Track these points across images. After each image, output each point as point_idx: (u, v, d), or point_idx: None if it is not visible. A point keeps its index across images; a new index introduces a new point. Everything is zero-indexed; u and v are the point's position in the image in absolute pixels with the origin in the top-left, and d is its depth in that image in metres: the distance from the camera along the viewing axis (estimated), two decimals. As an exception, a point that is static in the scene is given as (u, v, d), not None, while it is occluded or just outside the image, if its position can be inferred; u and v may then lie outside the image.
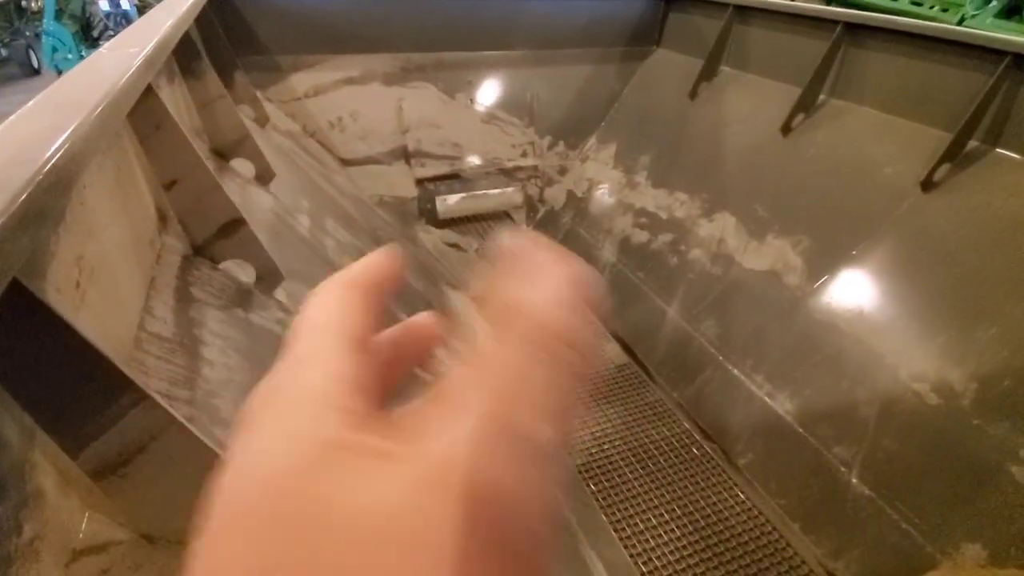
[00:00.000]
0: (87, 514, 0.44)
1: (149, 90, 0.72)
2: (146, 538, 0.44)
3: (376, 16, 2.01)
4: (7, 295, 0.30)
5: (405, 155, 2.13)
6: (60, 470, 0.42)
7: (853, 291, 1.34)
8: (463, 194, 2.23)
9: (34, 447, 0.40)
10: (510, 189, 2.30)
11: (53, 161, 0.36)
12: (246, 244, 0.89)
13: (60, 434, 0.38)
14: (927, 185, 1.30)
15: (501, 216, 2.32)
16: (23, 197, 0.31)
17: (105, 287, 0.58)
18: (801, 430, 1.28)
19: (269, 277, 0.92)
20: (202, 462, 0.43)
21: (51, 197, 0.35)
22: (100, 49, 0.75)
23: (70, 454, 0.39)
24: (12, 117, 0.45)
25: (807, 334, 1.37)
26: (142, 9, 5.19)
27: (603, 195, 2.16)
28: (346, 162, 2.06)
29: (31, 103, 0.48)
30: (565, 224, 2.22)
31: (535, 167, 2.32)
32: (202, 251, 0.88)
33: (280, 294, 0.95)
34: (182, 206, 0.85)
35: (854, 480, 1.16)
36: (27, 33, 5.57)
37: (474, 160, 2.24)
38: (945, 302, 1.18)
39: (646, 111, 2.22)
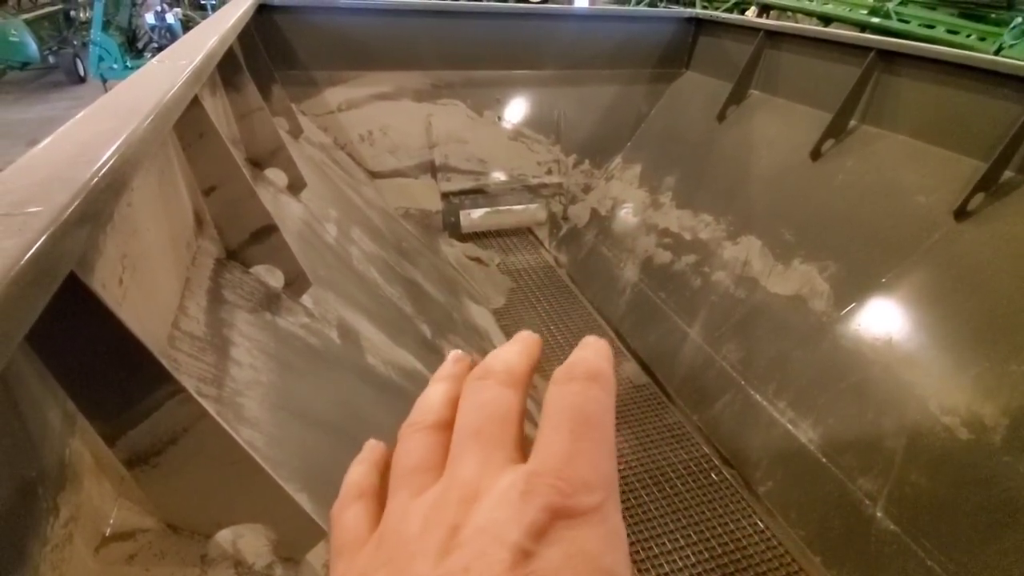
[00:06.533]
0: (118, 501, 0.45)
1: (195, 101, 0.75)
2: (172, 527, 0.45)
3: (409, 35, 2.07)
4: (63, 287, 0.32)
5: (432, 169, 2.17)
6: (96, 457, 0.44)
7: (882, 319, 1.31)
8: (487, 209, 2.26)
9: (74, 433, 0.42)
10: (534, 206, 2.33)
11: (109, 164, 0.39)
12: (277, 250, 0.91)
13: (100, 421, 0.40)
14: (961, 214, 1.28)
15: (524, 232, 2.34)
16: (83, 196, 0.33)
17: (145, 285, 0.60)
18: (824, 460, 1.25)
19: (297, 282, 0.95)
20: (229, 457, 0.44)
21: (106, 197, 0.37)
22: (152, 60, 0.79)
23: (107, 441, 0.40)
24: (72, 121, 0.48)
25: (833, 361, 1.34)
26: (186, 23, 5.41)
27: (627, 214, 2.16)
28: (374, 174, 2.10)
29: (90, 108, 0.52)
30: (588, 242, 2.23)
31: (560, 184, 2.34)
32: (235, 255, 0.90)
33: (307, 300, 0.97)
34: (219, 211, 0.88)
35: (879, 514, 1.13)
36: (75, 42, 5.84)
37: (499, 176, 2.27)
38: (978, 333, 1.15)
39: (673, 132, 2.23)
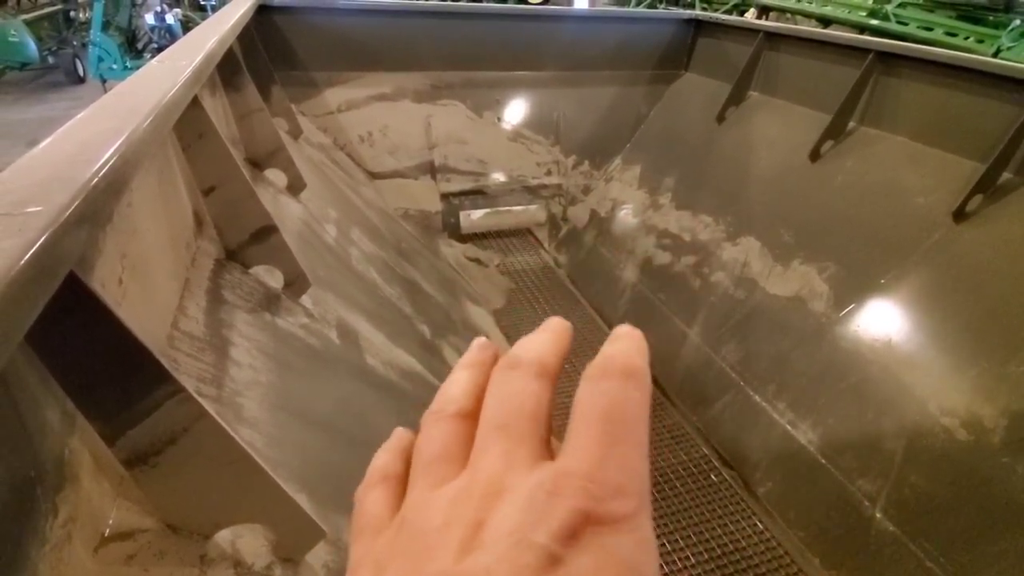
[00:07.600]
0: (117, 501, 0.45)
1: (195, 101, 0.75)
2: (171, 527, 0.45)
3: (409, 36, 2.07)
4: (63, 287, 0.32)
5: (431, 170, 2.17)
6: (95, 457, 0.44)
7: (881, 320, 1.32)
8: (487, 210, 2.26)
9: (74, 433, 0.42)
10: (533, 206, 2.33)
11: (109, 164, 0.39)
12: (277, 250, 0.91)
13: (99, 421, 0.40)
14: (959, 215, 1.28)
15: (524, 233, 2.34)
16: (83, 196, 0.33)
17: (144, 285, 0.60)
18: (824, 461, 1.25)
19: (297, 283, 0.95)
20: (228, 457, 0.44)
21: (105, 197, 0.37)
22: (152, 61, 0.79)
23: (107, 441, 0.40)
24: (72, 121, 0.48)
25: (832, 362, 1.35)
26: (186, 23, 5.41)
27: (626, 215, 2.16)
28: (374, 175, 2.10)
29: (89, 109, 0.52)
30: (587, 243, 2.23)
31: (559, 185, 2.34)
32: (234, 255, 0.90)
33: (306, 300, 0.97)
34: (218, 211, 0.88)
35: (878, 515, 1.13)
36: (74, 43, 5.83)
37: (499, 177, 2.27)
38: (977, 334, 1.15)
39: (672, 133, 2.23)
